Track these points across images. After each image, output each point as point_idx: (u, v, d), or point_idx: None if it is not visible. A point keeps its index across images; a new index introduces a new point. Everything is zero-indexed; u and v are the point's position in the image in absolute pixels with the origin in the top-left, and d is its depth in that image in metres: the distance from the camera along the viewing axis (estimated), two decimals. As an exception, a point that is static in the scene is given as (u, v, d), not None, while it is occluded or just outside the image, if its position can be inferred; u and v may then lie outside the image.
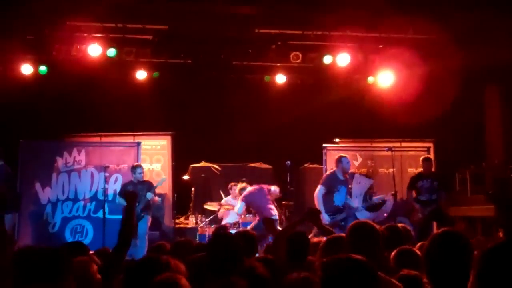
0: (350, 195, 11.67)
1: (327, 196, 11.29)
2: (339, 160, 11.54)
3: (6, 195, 11.21)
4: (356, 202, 11.99)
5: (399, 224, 6.92)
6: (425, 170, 12.16)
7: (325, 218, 10.88)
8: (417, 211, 11.81)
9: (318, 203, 11.20)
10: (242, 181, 12.99)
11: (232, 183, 13.61)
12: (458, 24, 12.22)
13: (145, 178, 12.31)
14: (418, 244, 5.66)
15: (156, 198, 12.28)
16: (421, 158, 12.48)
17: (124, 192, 5.55)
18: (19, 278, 3.70)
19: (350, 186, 11.71)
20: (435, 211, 11.78)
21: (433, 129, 13.96)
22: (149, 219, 11.92)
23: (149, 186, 11.95)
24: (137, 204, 11.20)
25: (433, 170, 12.47)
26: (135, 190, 11.32)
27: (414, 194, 12.09)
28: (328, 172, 11.94)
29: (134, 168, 12.13)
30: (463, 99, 13.60)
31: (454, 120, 13.97)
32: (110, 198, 12.52)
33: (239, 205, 12.24)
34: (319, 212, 6.80)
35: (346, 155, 11.78)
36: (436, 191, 11.92)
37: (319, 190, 11.33)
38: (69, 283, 3.86)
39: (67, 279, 3.82)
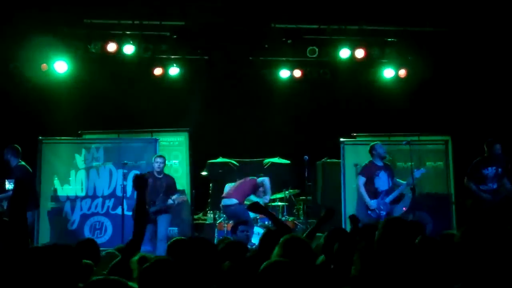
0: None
1: (368, 184, 11.25)
2: (373, 148, 11.45)
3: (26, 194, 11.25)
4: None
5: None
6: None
7: (372, 205, 11.08)
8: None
9: (361, 192, 11.23)
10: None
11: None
12: (474, 16, 12.18)
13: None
14: None
15: (183, 197, 12.19)
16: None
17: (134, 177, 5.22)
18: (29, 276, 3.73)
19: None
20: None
21: (451, 122, 13.88)
22: (168, 219, 11.70)
23: (169, 183, 11.66)
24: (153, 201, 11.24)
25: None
26: (155, 182, 11.42)
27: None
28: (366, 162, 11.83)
29: (153, 159, 11.85)
30: (481, 92, 13.54)
31: (473, 114, 13.90)
32: (128, 194, 12.55)
33: None
34: (333, 212, 6.83)
35: (378, 142, 11.68)
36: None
37: (359, 180, 11.34)
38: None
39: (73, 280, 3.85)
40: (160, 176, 11.63)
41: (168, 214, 11.62)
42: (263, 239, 5.92)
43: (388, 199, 11.20)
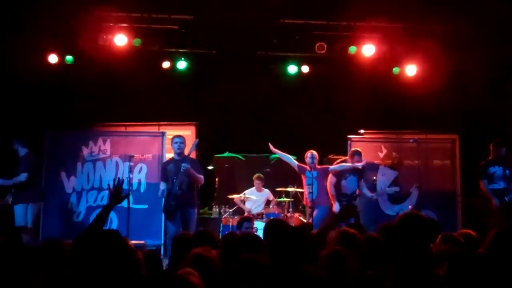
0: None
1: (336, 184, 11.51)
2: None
3: (28, 184, 11.28)
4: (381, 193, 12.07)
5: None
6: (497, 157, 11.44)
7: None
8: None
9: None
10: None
11: (255, 175, 13.66)
12: (484, 14, 12.14)
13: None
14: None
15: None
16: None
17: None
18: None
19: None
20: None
21: (459, 121, 13.84)
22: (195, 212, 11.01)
23: (193, 167, 10.60)
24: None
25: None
26: (176, 167, 10.56)
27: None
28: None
29: (171, 140, 11.10)
30: (490, 90, 13.49)
31: (481, 112, 13.86)
32: (134, 187, 12.58)
33: None
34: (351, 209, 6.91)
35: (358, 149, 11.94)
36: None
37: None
38: None
39: None
40: (179, 158, 10.75)
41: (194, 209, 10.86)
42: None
43: None
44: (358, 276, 4.70)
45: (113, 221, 12.61)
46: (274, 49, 14.18)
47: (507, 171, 11.20)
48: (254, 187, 13.63)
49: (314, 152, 11.87)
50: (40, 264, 4.35)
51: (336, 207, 11.30)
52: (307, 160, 11.86)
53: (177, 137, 10.96)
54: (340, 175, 11.56)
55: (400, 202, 11.66)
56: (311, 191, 11.54)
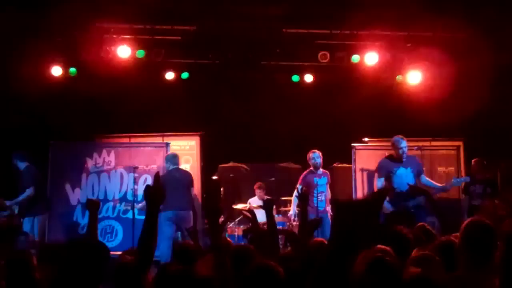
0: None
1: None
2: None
3: (35, 198, 11.33)
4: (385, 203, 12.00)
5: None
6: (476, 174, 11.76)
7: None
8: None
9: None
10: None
11: (257, 184, 13.69)
12: (488, 21, 12.14)
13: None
14: None
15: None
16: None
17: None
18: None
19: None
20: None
21: (463, 128, 13.83)
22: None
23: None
24: None
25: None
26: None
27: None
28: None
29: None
30: (493, 98, 13.49)
31: (484, 119, 13.86)
32: (139, 198, 12.57)
33: None
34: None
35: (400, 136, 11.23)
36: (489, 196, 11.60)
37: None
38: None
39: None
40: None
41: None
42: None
43: None
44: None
45: (118, 233, 12.61)
46: (277, 59, 14.21)
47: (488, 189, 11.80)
48: (256, 196, 13.65)
49: (318, 151, 11.83)
50: None
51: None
52: (312, 161, 11.80)
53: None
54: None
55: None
56: (322, 198, 11.53)
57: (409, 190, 10.03)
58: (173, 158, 11.91)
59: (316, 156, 11.94)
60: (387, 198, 10.42)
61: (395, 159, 10.93)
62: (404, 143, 10.79)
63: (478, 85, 12.92)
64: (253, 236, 6.97)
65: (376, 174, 11.18)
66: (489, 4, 11.64)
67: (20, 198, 11.26)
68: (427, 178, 11.40)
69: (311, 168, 12.13)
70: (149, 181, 12.77)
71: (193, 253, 6.12)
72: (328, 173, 12.29)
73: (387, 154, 11.44)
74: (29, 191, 11.20)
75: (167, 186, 11.29)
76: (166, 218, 11.33)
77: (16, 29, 12.33)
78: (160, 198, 4.45)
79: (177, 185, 11.45)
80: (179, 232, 11.59)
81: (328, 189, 12.21)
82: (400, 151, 10.80)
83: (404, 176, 10.76)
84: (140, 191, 12.64)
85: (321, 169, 11.99)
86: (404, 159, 10.86)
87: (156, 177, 4.39)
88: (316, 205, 11.59)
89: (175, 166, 11.83)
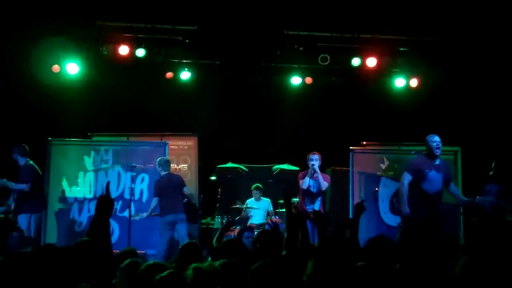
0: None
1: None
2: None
3: (32, 194, 11.32)
4: (383, 206, 11.97)
5: None
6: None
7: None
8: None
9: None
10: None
11: (254, 186, 13.72)
12: (486, 27, 12.18)
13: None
14: None
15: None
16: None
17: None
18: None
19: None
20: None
21: (461, 133, 13.83)
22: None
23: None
24: None
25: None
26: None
27: None
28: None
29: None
30: (492, 102, 13.52)
31: (483, 124, 13.88)
32: (136, 197, 12.56)
33: None
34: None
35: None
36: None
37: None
38: None
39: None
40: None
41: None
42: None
43: None
44: None
45: (115, 231, 12.58)
46: (277, 61, 14.22)
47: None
48: (253, 198, 13.69)
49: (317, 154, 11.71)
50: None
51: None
52: (310, 162, 11.59)
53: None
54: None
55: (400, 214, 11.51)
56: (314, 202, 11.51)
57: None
58: (166, 164, 12.05)
59: (316, 158, 11.73)
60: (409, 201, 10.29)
61: (430, 158, 10.68)
62: (436, 138, 10.51)
63: (478, 91, 12.96)
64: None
65: (405, 171, 10.89)
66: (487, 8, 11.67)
67: (15, 186, 11.22)
68: (456, 187, 11.25)
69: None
70: (147, 180, 12.79)
71: (198, 252, 6.22)
72: (327, 177, 12.11)
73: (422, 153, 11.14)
74: (23, 186, 11.17)
75: (164, 192, 11.71)
76: (167, 222, 11.59)
77: (15, 27, 12.34)
78: (111, 208, 4.92)
79: (175, 191, 11.80)
80: (177, 233, 11.67)
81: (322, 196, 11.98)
82: (434, 144, 10.42)
83: (434, 181, 10.59)
84: (137, 190, 12.64)
85: (317, 173, 11.72)
86: (438, 156, 10.62)
87: (107, 187, 4.48)
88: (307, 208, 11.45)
89: (166, 172, 11.96)
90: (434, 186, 10.44)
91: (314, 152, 11.72)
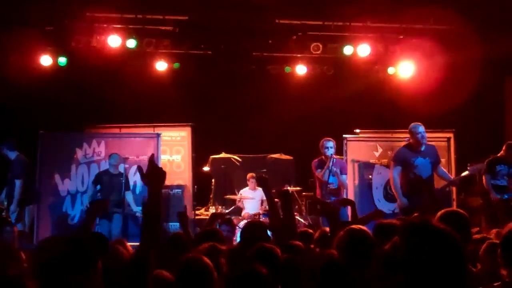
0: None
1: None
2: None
3: (25, 188, 11.27)
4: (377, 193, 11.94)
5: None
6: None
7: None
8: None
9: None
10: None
11: (249, 174, 13.63)
12: (478, 14, 12.15)
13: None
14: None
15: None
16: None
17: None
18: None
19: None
20: None
21: (454, 120, 13.83)
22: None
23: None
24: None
25: None
26: (111, 181, 11.88)
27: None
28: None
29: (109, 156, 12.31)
30: (483, 90, 13.53)
31: (474, 111, 13.90)
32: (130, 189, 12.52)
33: None
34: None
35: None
36: None
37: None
38: (97, 277, 3.81)
39: (95, 272, 3.78)
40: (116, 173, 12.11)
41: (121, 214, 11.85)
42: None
43: None
44: None
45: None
46: (269, 50, 14.16)
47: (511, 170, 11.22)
48: (248, 187, 13.64)
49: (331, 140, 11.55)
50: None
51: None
52: (327, 150, 11.38)
53: (113, 155, 12.31)
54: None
55: (395, 201, 11.49)
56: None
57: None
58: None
59: (331, 145, 11.52)
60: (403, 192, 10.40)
61: (413, 147, 10.66)
62: (421, 128, 10.53)
63: (469, 78, 12.94)
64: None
65: (392, 163, 10.92)
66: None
67: (18, 190, 11.20)
68: (444, 169, 11.29)
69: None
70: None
71: (185, 243, 6.15)
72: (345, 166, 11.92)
73: (404, 143, 11.16)
74: (17, 184, 11.14)
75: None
76: None
77: (5, 18, 12.25)
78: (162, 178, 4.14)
79: None
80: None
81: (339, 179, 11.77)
82: (419, 135, 10.46)
83: (423, 167, 10.59)
84: (131, 182, 12.58)
85: (333, 158, 11.45)
86: (423, 144, 10.65)
87: (151, 159, 4.25)
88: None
89: None
90: (424, 171, 10.53)
91: (328, 138, 11.46)
